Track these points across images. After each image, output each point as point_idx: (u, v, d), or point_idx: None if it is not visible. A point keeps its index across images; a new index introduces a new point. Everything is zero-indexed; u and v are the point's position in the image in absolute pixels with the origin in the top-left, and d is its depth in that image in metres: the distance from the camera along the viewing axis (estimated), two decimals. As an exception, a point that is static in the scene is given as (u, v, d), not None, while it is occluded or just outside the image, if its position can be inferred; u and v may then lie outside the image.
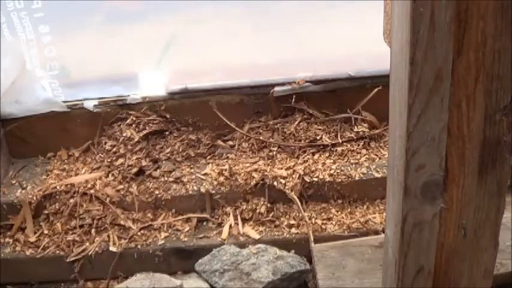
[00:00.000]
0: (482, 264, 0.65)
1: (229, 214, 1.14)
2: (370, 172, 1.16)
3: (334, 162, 1.18)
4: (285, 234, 1.10)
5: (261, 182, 1.14)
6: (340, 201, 1.16)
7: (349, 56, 1.28)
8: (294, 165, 1.17)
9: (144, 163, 1.20)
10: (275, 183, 1.13)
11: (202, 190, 1.14)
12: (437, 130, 0.55)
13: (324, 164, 1.18)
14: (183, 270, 1.11)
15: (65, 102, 1.26)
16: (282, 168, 1.16)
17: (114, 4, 1.23)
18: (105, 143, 1.26)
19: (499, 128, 0.56)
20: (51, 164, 1.27)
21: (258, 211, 1.13)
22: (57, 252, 1.11)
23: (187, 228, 1.13)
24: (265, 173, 1.15)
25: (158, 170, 1.20)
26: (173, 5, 1.20)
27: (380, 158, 1.20)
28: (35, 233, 1.15)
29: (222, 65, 1.28)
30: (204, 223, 1.14)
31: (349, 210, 1.15)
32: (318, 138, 1.23)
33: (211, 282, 1.04)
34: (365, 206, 1.16)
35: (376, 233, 1.08)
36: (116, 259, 1.09)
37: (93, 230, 1.12)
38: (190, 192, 1.15)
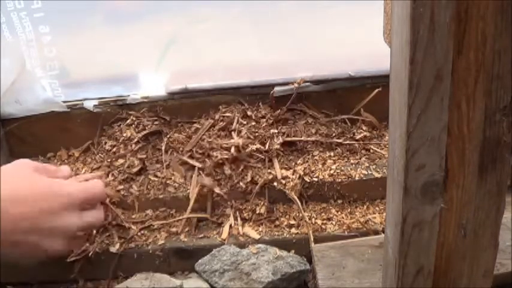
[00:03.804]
0: (482, 264, 0.65)
1: (229, 214, 1.14)
2: (370, 172, 1.16)
3: (334, 162, 1.18)
4: (285, 234, 1.10)
5: (261, 182, 1.14)
6: (340, 201, 1.16)
7: (349, 56, 1.28)
8: (294, 165, 1.17)
9: (144, 163, 1.20)
10: (275, 183, 1.13)
11: (203, 190, 1.14)
12: (437, 130, 0.55)
13: (324, 164, 1.18)
14: (183, 270, 1.11)
15: (65, 102, 1.26)
16: (282, 168, 1.16)
17: (114, 4, 1.23)
18: (105, 143, 1.26)
19: (499, 128, 0.56)
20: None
21: (258, 211, 1.13)
22: (57, 252, 1.11)
23: (187, 228, 1.13)
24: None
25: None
26: (173, 5, 1.20)
27: (380, 158, 1.20)
28: (35, 233, 1.15)
29: (222, 65, 1.28)
30: (204, 223, 1.14)
31: (349, 210, 1.15)
32: (318, 138, 1.23)
33: (211, 282, 1.04)
34: (365, 206, 1.16)
35: (376, 233, 1.08)
36: (116, 259, 1.09)
37: (93, 230, 1.12)
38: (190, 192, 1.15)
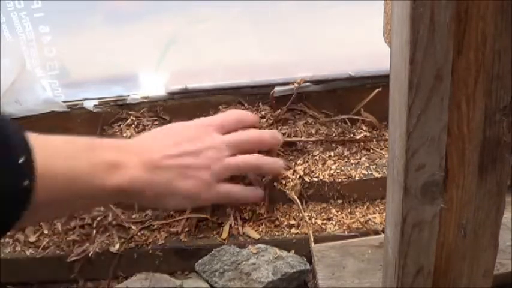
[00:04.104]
0: (482, 264, 0.65)
1: (229, 214, 1.14)
2: (370, 172, 1.16)
3: (334, 162, 1.18)
4: (285, 234, 1.10)
5: (261, 182, 1.14)
6: (340, 201, 1.16)
7: (349, 56, 1.28)
8: (294, 165, 1.17)
9: (144, 163, 1.20)
10: (275, 183, 1.13)
11: (203, 190, 1.14)
12: (437, 130, 0.55)
13: (324, 164, 1.18)
14: (183, 270, 1.12)
15: (65, 102, 1.26)
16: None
17: (114, 4, 1.23)
18: (105, 143, 1.25)
19: (499, 128, 0.56)
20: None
21: (258, 211, 1.13)
22: (57, 252, 1.11)
23: (187, 228, 1.13)
24: (265, 173, 1.14)
25: (158, 170, 1.20)
26: (173, 5, 1.20)
27: (380, 158, 1.20)
28: (35, 233, 1.15)
29: (222, 65, 1.28)
30: (204, 223, 1.14)
31: (349, 210, 1.15)
32: (318, 138, 1.23)
33: (211, 282, 1.04)
34: (365, 206, 1.16)
35: (376, 233, 1.08)
36: (116, 259, 1.09)
37: (93, 231, 1.12)
38: (190, 192, 1.15)
